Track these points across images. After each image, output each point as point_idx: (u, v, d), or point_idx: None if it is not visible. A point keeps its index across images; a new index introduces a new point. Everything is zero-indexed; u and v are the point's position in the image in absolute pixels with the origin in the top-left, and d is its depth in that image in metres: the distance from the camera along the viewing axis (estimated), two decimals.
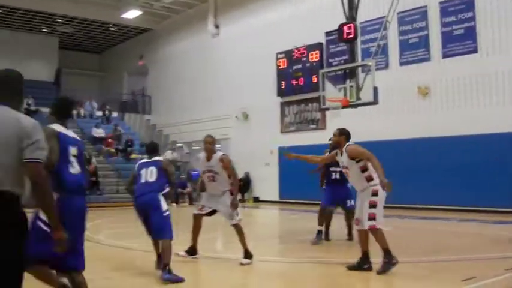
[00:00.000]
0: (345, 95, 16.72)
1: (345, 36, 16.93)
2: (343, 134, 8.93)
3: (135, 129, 36.26)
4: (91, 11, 34.10)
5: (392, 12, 18.00)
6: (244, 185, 28.64)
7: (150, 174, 8.71)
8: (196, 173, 29.64)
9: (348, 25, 16.74)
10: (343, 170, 9.02)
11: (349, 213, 11.68)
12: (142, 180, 8.69)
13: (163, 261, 8.10)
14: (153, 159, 9.02)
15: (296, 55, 26.63)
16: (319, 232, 11.96)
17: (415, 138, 21.31)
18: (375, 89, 16.07)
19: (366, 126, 22.10)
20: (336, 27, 17.82)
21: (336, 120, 20.72)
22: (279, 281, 8.62)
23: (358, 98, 16.49)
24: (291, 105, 27.28)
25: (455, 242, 12.59)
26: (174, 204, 25.94)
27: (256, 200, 28.24)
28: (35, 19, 35.82)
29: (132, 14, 33.93)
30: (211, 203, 9.75)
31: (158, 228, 8.39)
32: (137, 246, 11.18)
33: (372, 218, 8.29)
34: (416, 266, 9.15)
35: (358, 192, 8.71)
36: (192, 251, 9.82)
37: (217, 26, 31.96)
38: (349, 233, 12.27)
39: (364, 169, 8.53)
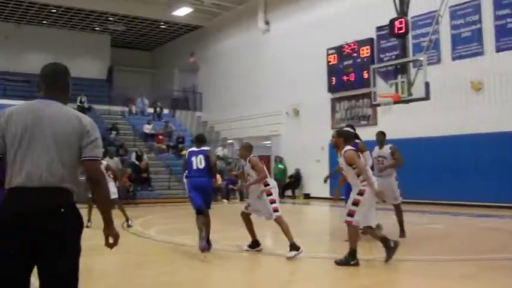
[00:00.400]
0: (396, 90, 16.56)
1: (396, 31, 16.78)
2: (342, 136, 9.26)
3: (186, 125, 36.50)
4: (142, 9, 34.45)
5: (444, 6, 17.75)
6: (294, 181, 28.63)
7: (199, 162, 10.33)
8: None
9: (399, 20, 16.58)
10: (341, 170, 9.47)
11: None
12: (194, 167, 10.33)
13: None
14: (201, 148, 10.63)
15: (347, 51, 26.46)
16: None
17: (468, 134, 20.91)
18: (427, 85, 15.86)
19: (418, 122, 21.89)
20: (387, 22, 17.67)
21: (387, 116, 20.60)
22: (328, 278, 8.58)
23: (410, 94, 16.31)
24: (342, 101, 27.12)
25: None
26: (225, 201, 26.08)
27: (307, 196, 28.18)
28: (88, 18, 36.37)
29: (182, 12, 34.11)
30: (254, 204, 10.25)
31: (207, 204, 10.40)
32: (189, 242, 11.26)
33: (350, 214, 8.69)
34: (466, 264, 9.00)
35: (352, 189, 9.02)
36: (254, 245, 10.43)
37: (267, 23, 31.99)
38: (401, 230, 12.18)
39: (359, 174, 8.81)
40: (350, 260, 8.61)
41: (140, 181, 26.16)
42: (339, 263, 8.65)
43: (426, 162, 21.65)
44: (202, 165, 10.31)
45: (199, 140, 10.91)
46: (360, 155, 9.30)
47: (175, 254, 10.44)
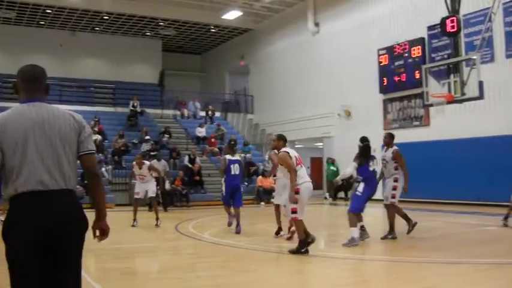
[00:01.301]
0: (449, 90, 16.37)
1: (448, 30, 16.58)
2: (282, 140, 10.79)
3: (238, 128, 36.64)
4: (192, 14, 34.67)
5: (497, 3, 17.46)
6: (347, 183, 28.45)
7: (236, 169, 13.89)
8: None
9: (451, 18, 16.38)
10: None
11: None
12: (232, 173, 13.88)
13: (238, 220, 13.70)
14: (235, 157, 14.19)
15: (398, 51, 26.19)
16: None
17: None
18: (480, 84, 15.63)
19: (471, 122, 21.59)
20: (438, 21, 17.47)
21: (440, 117, 20.30)
22: (382, 280, 8.53)
23: (463, 93, 16.10)
24: (394, 102, 26.86)
25: None
26: None
27: None
28: (139, 23, 36.80)
29: (232, 15, 34.28)
30: None
31: (238, 200, 14.01)
32: (241, 244, 11.33)
33: (294, 211, 10.02)
34: None
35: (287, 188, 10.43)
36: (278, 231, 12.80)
37: (317, 24, 31.92)
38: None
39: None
40: (300, 248, 9.91)
41: (193, 184, 26.37)
42: (292, 252, 9.96)
43: (480, 163, 21.30)
44: (237, 172, 13.95)
45: (232, 149, 14.84)
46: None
47: (228, 256, 10.50)
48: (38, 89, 3.99)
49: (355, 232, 11.18)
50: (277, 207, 12.86)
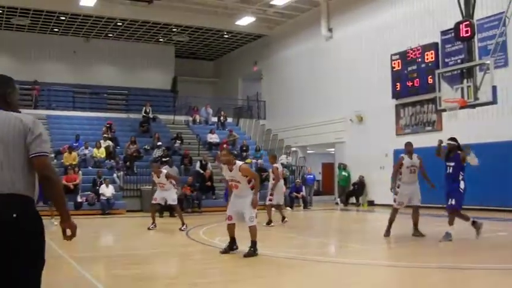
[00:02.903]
0: (462, 95, 16.29)
1: (461, 35, 16.49)
2: (232, 155, 11.35)
3: (250, 134, 36.60)
4: (206, 20, 34.77)
5: (511, 7, 17.34)
6: (358, 188, 28.40)
7: None
8: (311, 177, 29.65)
9: (465, 23, 16.29)
10: (231, 183, 10.92)
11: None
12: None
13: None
14: None
15: (411, 56, 26.08)
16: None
17: None
18: (494, 88, 15.56)
19: (484, 127, 21.44)
20: (452, 25, 17.39)
21: (452, 122, 20.21)
22: (393, 286, 8.46)
23: (476, 98, 16.03)
24: (406, 107, 26.75)
25: None
26: (289, 209, 25.99)
27: (371, 203, 27.89)
28: (152, 30, 36.93)
29: (245, 21, 34.29)
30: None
31: None
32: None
33: (255, 218, 10.72)
34: None
35: (239, 197, 10.83)
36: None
37: (330, 29, 31.88)
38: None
39: (250, 181, 10.74)
40: (256, 250, 10.49)
41: (205, 190, 26.32)
42: (247, 255, 10.39)
43: (492, 168, 21.13)
44: None
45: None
46: None
47: (239, 262, 10.45)
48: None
49: (472, 221, 12.25)
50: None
